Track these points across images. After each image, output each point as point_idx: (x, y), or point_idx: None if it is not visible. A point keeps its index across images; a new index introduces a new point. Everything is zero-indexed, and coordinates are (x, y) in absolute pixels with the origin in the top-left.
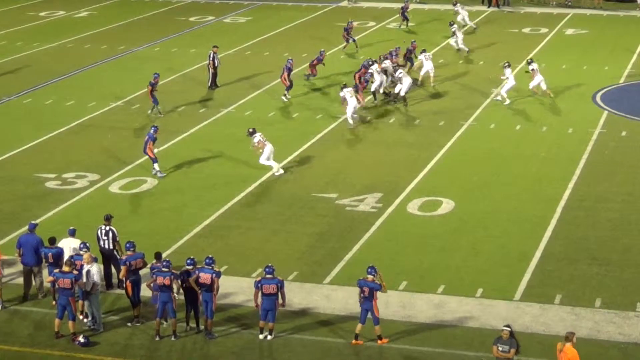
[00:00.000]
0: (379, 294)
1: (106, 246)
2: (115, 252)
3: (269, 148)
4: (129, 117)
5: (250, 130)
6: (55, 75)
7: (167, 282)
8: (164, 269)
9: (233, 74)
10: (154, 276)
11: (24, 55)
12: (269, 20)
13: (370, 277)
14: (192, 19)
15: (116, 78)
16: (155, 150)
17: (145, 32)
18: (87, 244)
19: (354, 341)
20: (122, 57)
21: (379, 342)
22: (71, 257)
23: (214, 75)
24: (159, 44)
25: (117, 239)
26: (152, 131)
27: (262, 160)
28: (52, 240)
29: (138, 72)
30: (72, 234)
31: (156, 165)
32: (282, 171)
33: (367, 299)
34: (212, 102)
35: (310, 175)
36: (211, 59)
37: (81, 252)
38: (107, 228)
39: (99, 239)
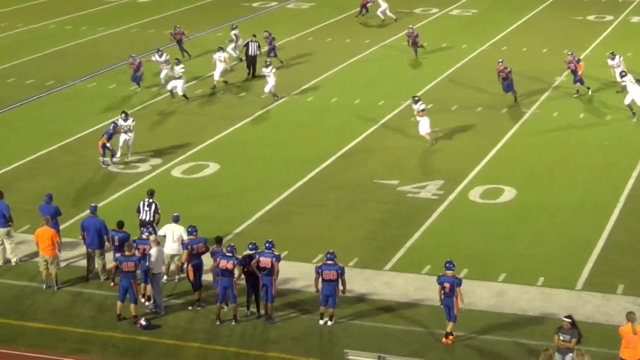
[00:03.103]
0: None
1: (146, 218)
2: (155, 225)
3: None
4: (191, 102)
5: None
6: (119, 60)
7: (229, 266)
8: (228, 254)
9: (295, 60)
10: (218, 259)
11: (89, 40)
12: (332, 6)
13: (449, 272)
14: (255, 4)
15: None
16: (220, 135)
17: (208, 17)
18: (150, 229)
19: (444, 339)
20: (185, 42)
21: (445, 340)
22: (134, 240)
23: (250, 64)
24: (221, 29)
25: (159, 211)
26: (110, 127)
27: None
28: (121, 224)
29: (200, 57)
30: (176, 220)
31: (103, 158)
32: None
33: (448, 296)
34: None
35: (372, 162)
36: (248, 47)
37: (144, 236)
38: (150, 200)
39: (140, 211)
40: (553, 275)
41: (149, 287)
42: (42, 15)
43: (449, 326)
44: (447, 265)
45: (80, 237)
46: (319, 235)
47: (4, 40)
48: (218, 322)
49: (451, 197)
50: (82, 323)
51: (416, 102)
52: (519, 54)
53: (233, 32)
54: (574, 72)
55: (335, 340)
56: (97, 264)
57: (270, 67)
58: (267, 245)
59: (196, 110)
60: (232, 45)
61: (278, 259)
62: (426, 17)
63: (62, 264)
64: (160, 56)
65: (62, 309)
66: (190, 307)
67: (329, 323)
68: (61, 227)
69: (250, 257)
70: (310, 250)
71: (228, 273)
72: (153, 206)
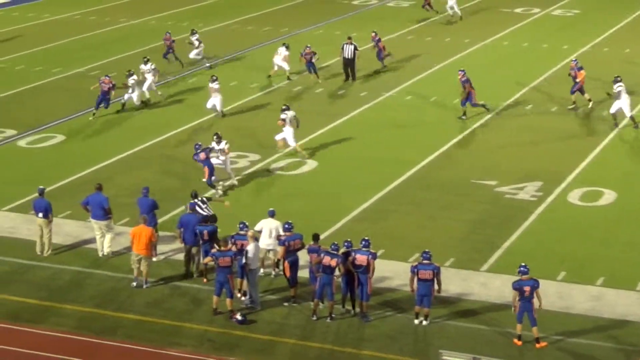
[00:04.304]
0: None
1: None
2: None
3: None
4: (290, 99)
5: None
6: (219, 56)
7: (333, 263)
8: (332, 251)
9: (395, 59)
10: (322, 255)
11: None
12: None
13: (525, 276)
14: (355, 2)
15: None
16: (318, 133)
17: (309, 14)
18: (247, 223)
19: (537, 345)
20: (284, 39)
21: (538, 345)
22: (231, 236)
23: (347, 67)
24: (322, 27)
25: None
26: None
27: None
28: (209, 219)
29: (297, 55)
30: (272, 215)
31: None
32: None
33: (528, 300)
34: (373, 86)
35: (469, 162)
36: (343, 50)
37: (242, 232)
38: (198, 199)
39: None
40: None
41: (245, 282)
42: (144, 10)
43: (535, 331)
44: (522, 269)
45: (177, 233)
46: (415, 234)
47: (108, 34)
48: (314, 318)
49: (550, 199)
50: (178, 316)
51: (282, 110)
52: (622, 56)
53: (193, 37)
54: (574, 79)
55: (429, 340)
56: (194, 260)
57: (216, 82)
58: (363, 243)
59: (295, 107)
60: (195, 51)
61: (374, 256)
62: (527, 17)
63: (161, 257)
64: (146, 64)
65: (159, 301)
66: (285, 303)
67: (424, 323)
68: (158, 221)
69: (346, 255)
70: (406, 249)
71: (329, 270)
72: (204, 204)
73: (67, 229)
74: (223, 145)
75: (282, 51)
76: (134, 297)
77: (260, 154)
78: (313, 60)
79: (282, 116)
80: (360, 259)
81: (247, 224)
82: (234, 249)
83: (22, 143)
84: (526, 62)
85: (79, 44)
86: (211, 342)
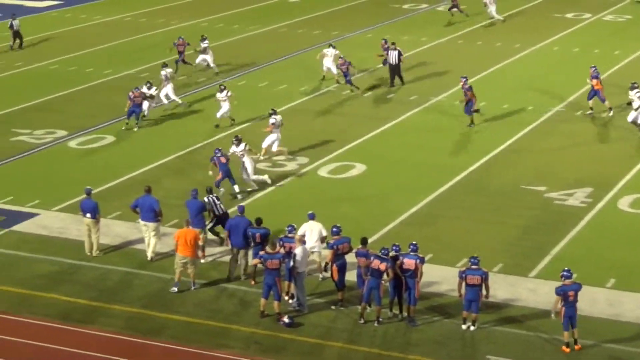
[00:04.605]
0: None
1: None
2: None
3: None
4: (339, 102)
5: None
6: (269, 58)
7: (382, 267)
8: (382, 255)
9: (444, 63)
10: (372, 259)
11: (240, 39)
12: (482, 10)
13: (568, 281)
14: (405, 6)
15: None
16: (367, 136)
17: (359, 18)
18: (295, 226)
19: (564, 348)
20: (333, 42)
21: (577, 347)
22: (279, 238)
23: (393, 73)
24: (371, 31)
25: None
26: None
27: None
28: (259, 221)
29: (347, 58)
30: (312, 217)
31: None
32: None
33: (572, 304)
34: (422, 90)
35: (519, 167)
36: (388, 55)
37: (290, 235)
38: (212, 196)
39: (214, 210)
40: None
41: (292, 284)
42: (195, 13)
43: (576, 332)
44: (566, 274)
45: (225, 235)
46: (463, 239)
47: (159, 37)
48: (362, 321)
49: (599, 205)
50: (226, 318)
51: (270, 115)
52: None
53: (203, 43)
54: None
55: (477, 346)
56: (241, 263)
57: (225, 92)
58: (411, 247)
59: (344, 110)
60: (202, 57)
61: (422, 261)
62: (578, 22)
63: (209, 259)
64: (149, 89)
65: (206, 303)
66: (333, 307)
67: (472, 328)
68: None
69: (394, 259)
70: (454, 254)
71: (377, 274)
72: (219, 200)
73: (117, 229)
74: (243, 147)
75: (330, 52)
76: (182, 298)
77: (309, 157)
78: (349, 71)
79: (271, 120)
80: (409, 263)
81: (295, 226)
82: (282, 251)
83: (72, 144)
84: (577, 68)
85: (130, 46)
86: (258, 344)
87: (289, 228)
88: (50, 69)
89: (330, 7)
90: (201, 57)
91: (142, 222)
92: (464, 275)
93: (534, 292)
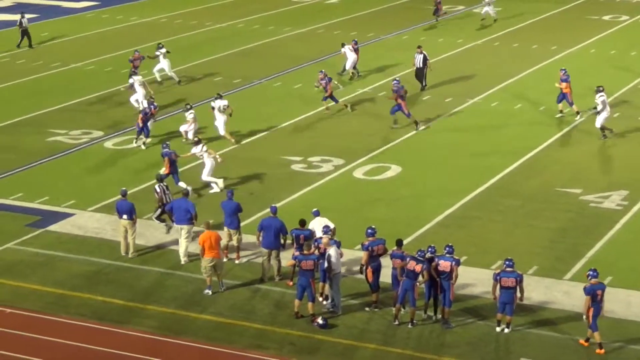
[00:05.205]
0: None
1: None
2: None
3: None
4: (375, 104)
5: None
6: (305, 60)
7: (417, 268)
8: (419, 257)
9: (481, 65)
10: (408, 260)
11: (275, 40)
12: (519, 11)
13: (594, 280)
14: (445, 7)
15: (361, 64)
16: (402, 138)
17: (395, 20)
18: (331, 227)
19: (599, 350)
20: (370, 44)
21: (599, 350)
22: (315, 240)
23: (418, 76)
24: (407, 32)
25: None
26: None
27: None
28: (303, 222)
29: (382, 59)
30: (317, 214)
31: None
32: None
33: (598, 304)
34: (458, 92)
35: (554, 170)
36: (415, 59)
37: (324, 236)
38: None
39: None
40: None
41: (327, 286)
42: (230, 14)
43: (597, 336)
44: (593, 273)
45: (257, 237)
46: (498, 241)
47: (194, 38)
48: (396, 323)
49: (635, 208)
50: (260, 319)
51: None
52: None
53: (159, 51)
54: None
55: (511, 348)
56: (273, 264)
57: (190, 111)
58: (447, 249)
59: (380, 112)
60: (159, 66)
61: (458, 263)
62: (615, 25)
63: (243, 260)
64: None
65: (240, 304)
66: (367, 308)
67: (506, 330)
68: (242, 224)
69: (430, 261)
70: (489, 257)
71: (412, 275)
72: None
73: (152, 231)
74: (200, 148)
75: (350, 48)
76: (216, 299)
77: (345, 158)
78: (328, 87)
79: (212, 104)
80: (444, 265)
81: (331, 228)
82: (316, 252)
83: (108, 144)
84: (613, 70)
85: (165, 46)
86: (292, 345)
87: (325, 229)
88: (87, 70)
89: (367, 9)
90: (158, 67)
91: (176, 225)
92: (498, 277)
93: (568, 294)
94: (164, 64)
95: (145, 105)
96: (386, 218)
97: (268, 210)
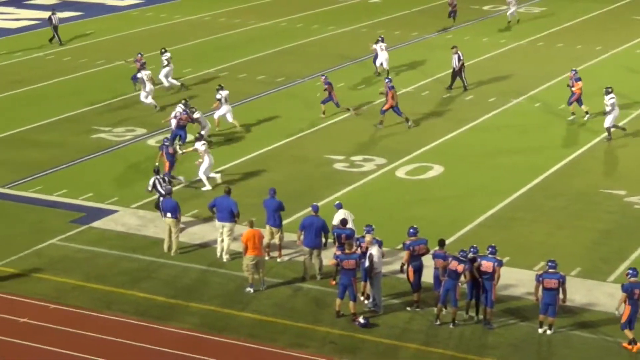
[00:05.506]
0: None
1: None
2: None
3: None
4: (416, 104)
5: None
6: (348, 59)
7: (460, 269)
8: (461, 257)
9: (524, 65)
10: (450, 260)
11: (319, 39)
12: (563, 11)
13: (634, 279)
14: (485, 7)
15: (404, 64)
16: (446, 138)
17: (439, 19)
18: (372, 226)
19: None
20: (413, 43)
21: (635, 347)
22: (357, 239)
23: (455, 77)
24: (451, 32)
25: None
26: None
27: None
28: (344, 222)
29: (425, 59)
30: (340, 207)
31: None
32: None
33: (636, 302)
34: (502, 92)
35: (598, 171)
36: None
37: (367, 235)
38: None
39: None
40: None
41: (368, 285)
42: (273, 13)
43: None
44: (633, 272)
45: (298, 235)
46: (540, 242)
47: (237, 36)
48: (437, 323)
49: None
50: (302, 318)
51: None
52: None
53: (164, 57)
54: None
55: (553, 350)
56: (315, 262)
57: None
58: (490, 250)
59: (423, 111)
60: (164, 71)
61: (500, 264)
62: None
63: (285, 259)
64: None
65: (282, 302)
66: (408, 308)
67: (548, 332)
68: (284, 222)
69: (472, 261)
70: (532, 258)
71: (454, 275)
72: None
73: (193, 228)
74: (201, 144)
75: (381, 47)
76: (257, 297)
77: (387, 158)
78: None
79: (217, 96)
80: (486, 265)
81: (373, 227)
82: (358, 252)
83: (151, 142)
84: None
85: (209, 45)
86: (333, 344)
87: (367, 228)
88: (131, 67)
89: (410, 8)
90: (163, 71)
91: (218, 223)
92: (541, 278)
93: (612, 296)
94: (167, 70)
95: (179, 110)
96: (428, 218)
97: (310, 209)
